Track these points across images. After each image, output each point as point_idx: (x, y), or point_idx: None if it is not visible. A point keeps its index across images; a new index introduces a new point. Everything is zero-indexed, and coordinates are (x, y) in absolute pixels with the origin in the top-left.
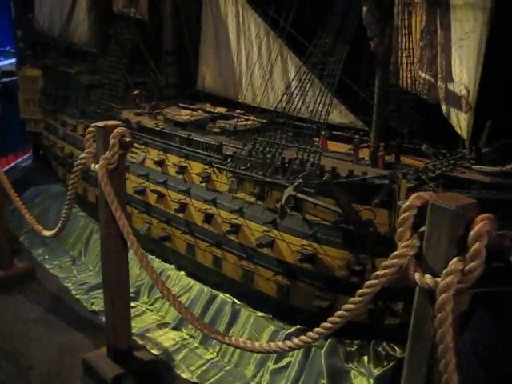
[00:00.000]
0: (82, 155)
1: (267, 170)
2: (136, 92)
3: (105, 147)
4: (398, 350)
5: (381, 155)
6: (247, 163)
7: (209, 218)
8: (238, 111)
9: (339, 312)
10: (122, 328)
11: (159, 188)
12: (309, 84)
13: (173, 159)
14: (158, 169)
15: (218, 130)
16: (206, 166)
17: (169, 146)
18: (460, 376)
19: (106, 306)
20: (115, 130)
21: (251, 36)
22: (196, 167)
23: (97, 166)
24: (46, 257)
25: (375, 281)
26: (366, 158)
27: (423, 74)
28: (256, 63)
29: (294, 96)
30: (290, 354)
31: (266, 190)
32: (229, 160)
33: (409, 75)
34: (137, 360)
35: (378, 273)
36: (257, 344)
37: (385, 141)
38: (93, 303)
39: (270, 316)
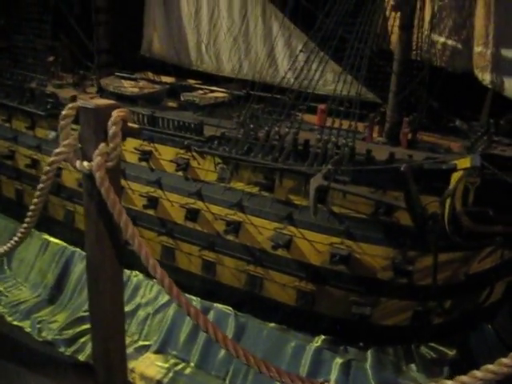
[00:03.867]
0: (59, 150)
1: (279, 155)
2: (51, 59)
3: (97, 137)
4: (445, 351)
5: (405, 132)
6: (244, 146)
7: (193, 214)
8: (192, 81)
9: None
10: (117, 373)
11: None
12: (316, 53)
13: (131, 143)
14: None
15: (175, 104)
16: (182, 151)
17: None
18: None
19: (96, 348)
20: (114, 114)
21: None
22: (166, 152)
23: (85, 163)
24: None
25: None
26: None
27: (442, 39)
28: (223, 24)
29: (298, 67)
30: (326, 370)
31: (274, 179)
32: (215, 143)
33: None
34: None
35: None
36: None
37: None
38: (40, 330)
39: (284, 327)
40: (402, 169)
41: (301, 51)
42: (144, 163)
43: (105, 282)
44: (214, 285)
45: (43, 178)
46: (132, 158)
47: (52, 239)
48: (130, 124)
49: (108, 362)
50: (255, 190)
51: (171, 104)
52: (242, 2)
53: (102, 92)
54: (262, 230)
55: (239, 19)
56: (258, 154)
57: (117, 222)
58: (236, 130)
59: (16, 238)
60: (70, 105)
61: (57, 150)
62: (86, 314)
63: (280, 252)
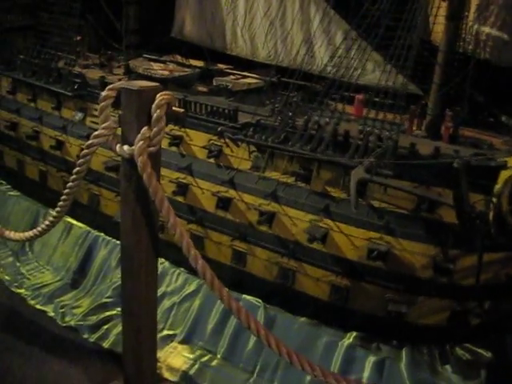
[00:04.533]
0: (98, 132)
1: (318, 145)
2: (78, 38)
3: (139, 121)
4: (481, 353)
5: (448, 127)
6: (281, 135)
7: (225, 203)
8: (222, 66)
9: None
10: (147, 364)
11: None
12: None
13: None
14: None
15: (205, 89)
16: (214, 137)
17: None
18: None
19: (127, 338)
20: (158, 96)
21: None
22: (198, 138)
23: (126, 147)
24: None
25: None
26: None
27: (487, 29)
28: (260, 7)
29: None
30: (359, 368)
31: (312, 170)
32: (251, 130)
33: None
34: None
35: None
36: None
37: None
38: (64, 315)
39: (315, 322)
40: (455, 165)
41: (344, 39)
42: (174, 148)
43: (139, 272)
44: (243, 276)
45: (80, 161)
46: (162, 142)
47: (75, 223)
48: (175, 108)
49: (138, 353)
50: (291, 180)
51: (201, 88)
52: None
53: (130, 74)
54: (297, 222)
55: (276, 3)
56: (296, 143)
57: (157, 210)
58: (272, 118)
59: (47, 223)
60: (111, 86)
61: (96, 133)
62: (110, 300)
63: (315, 245)
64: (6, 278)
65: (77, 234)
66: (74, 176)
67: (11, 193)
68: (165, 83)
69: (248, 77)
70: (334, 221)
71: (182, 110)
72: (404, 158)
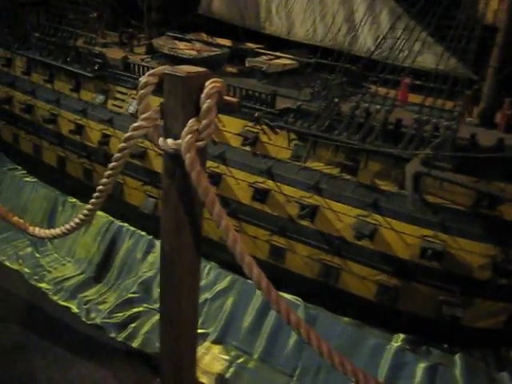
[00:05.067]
0: (137, 124)
1: (367, 135)
2: (96, 14)
3: (186, 111)
4: None
5: (506, 115)
6: (325, 122)
7: (262, 194)
8: (251, 45)
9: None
10: (187, 372)
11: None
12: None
13: None
14: None
15: (235, 70)
16: (250, 123)
17: None
18: None
19: (166, 344)
20: (209, 84)
21: None
22: (231, 124)
23: (170, 141)
24: None
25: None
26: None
27: None
28: None
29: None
30: (408, 373)
31: (359, 161)
32: (291, 116)
33: None
34: None
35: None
36: None
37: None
38: (89, 311)
39: (360, 322)
40: None
41: (398, 18)
42: None
43: (181, 275)
44: (282, 273)
45: (117, 155)
46: None
47: (98, 212)
48: (228, 97)
49: (178, 360)
50: (335, 171)
51: (231, 69)
52: None
53: (154, 53)
54: (342, 217)
55: None
56: (342, 132)
57: (208, 211)
58: (314, 103)
59: (77, 220)
60: (153, 71)
61: (135, 125)
62: (136, 295)
63: (362, 242)
64: (26, 270)
65: (99, 224)
66: (109, 171)
67: (27, 179)
68: (192, 63)
69: (281, 57)
70: (383, 216)
71: (237, 100)
72: (463, 150)
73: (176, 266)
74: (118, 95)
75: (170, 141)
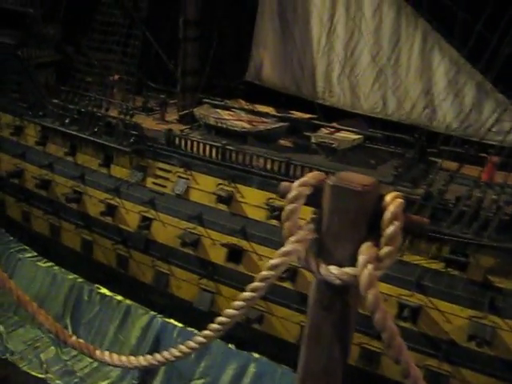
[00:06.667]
0: (287, 248)
1: (482, 228)
2: (116, 77)
3: (358, 234)
4: None
5: None
6: (426, 211)
7: None
8: (298, 113)
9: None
10: None
11: (233, 239)
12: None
13: (252, 194)
14: (223, 207)
15: (289, 144)
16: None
17: (240, 173)
18: None
19: None
20: (391, 201)
21: (362, 7)
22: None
23: (335, 269)
24: (8, 344)
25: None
26: None
27: None
28: (365, 50)
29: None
30: None
31: (468, 255)
32: None
33: None
34: None
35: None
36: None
37: None
38: None
39: None
40: None
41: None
42: (274, 222)
43: None
44: (374, 379)
45: (257, 284)
46: (255, 213)
47: (136, 305)
48: (415, 217)
49: None
50: (439, 266)
51: (284, 142)
52: (396, 26)
53: (193, 123)
54: (451, 318)
55: (389, 46)
56: (452, 224)
57: (394, 356)
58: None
59: (191, 346)
60: (306, 178)
61: (284, 249)
62: None
63: (478, 347)
64: (50, 376)
65: (142, 322)
66: (240, 303)
67: (40, 263)
68: (243, 137)
69: (342, 130)
70: (502, 318)
71: (425, 220)
72: None
73: None
74: (160, 172)
75: (333, 268)
